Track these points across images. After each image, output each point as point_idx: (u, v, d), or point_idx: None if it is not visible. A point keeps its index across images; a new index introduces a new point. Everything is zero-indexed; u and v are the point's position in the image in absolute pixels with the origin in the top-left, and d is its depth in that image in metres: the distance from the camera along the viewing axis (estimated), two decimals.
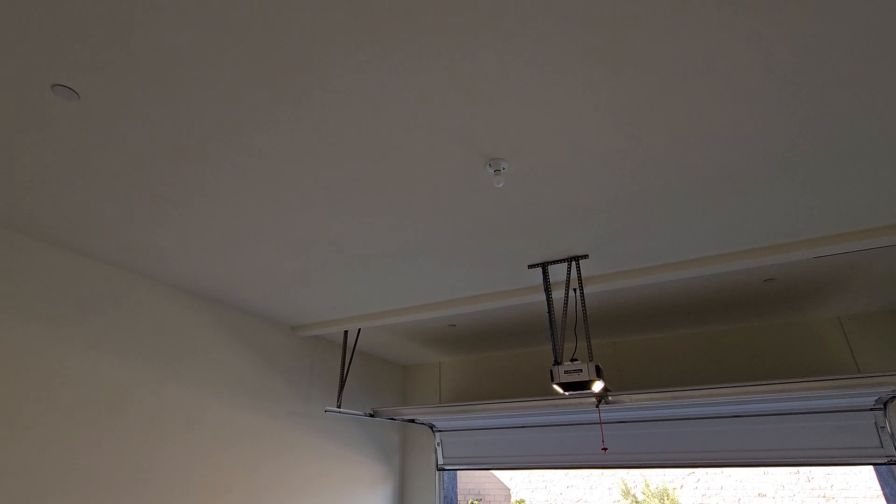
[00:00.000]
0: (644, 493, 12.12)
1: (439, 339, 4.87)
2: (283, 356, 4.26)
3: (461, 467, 5.52)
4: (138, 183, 2.16)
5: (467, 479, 14.96)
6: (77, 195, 2.24)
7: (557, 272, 3.18)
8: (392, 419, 4.68)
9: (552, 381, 2.91)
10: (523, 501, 13.66)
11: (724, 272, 3.17)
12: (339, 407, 4.14)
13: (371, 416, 4.45)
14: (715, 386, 3.25)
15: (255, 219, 2.48)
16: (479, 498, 14.67)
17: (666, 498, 11.84)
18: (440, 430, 5.44)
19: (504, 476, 14.66)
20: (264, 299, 3.65)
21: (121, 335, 3.01)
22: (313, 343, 4.65)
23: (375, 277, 3.24)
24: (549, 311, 3.15)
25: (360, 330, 4.31)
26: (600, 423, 4.50)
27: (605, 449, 3.57)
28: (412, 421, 5.13)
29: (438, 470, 5.52)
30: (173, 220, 2.47)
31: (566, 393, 3.03)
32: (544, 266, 3.07)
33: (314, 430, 4.41)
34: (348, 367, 4.31)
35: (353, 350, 4.40)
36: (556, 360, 3.02)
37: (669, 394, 3.33)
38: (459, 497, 14.28)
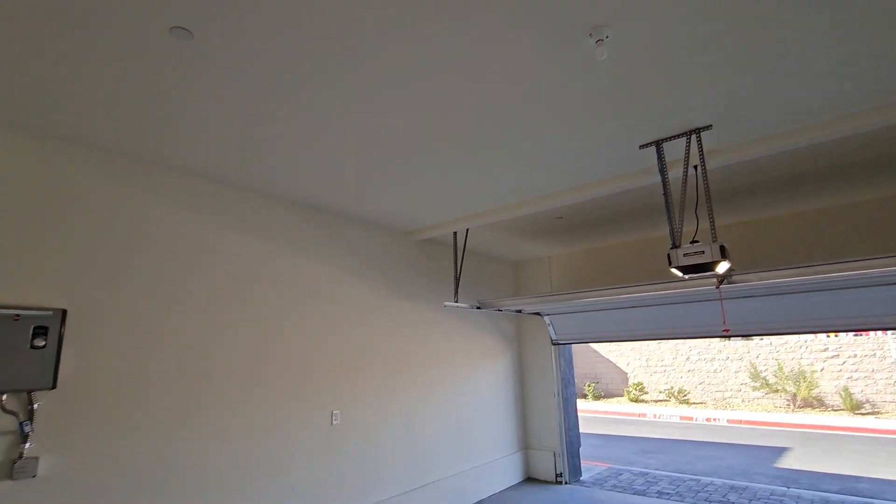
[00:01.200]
0: (776, 376, 11.59)
1: (547, 232, 4.88)
2: (402, 259, 4.64)
3: (574, 341, 5.79)
4: (250, 108, 2.36)
5: (583, 364, 15.60)
6: (202, 126, 2.53)
7: (672, 150, 2.91)
8: (498, 310, 4.96)
9: (670, 265, 2.81)
10: (641, 385, 14.02)
11: (866, 131, 2.64)
12: (456, 302, 4.49)
13: (478, 308, 4.76)
14: (854, 259, 2.89)
15: (364, 127, 2.60)
16: (595, 381, 15.36)
17: (802, 381, 11.23)
18: (549, 314, 5.66)
19: (621, 361, 15.01)
20: (379, 208, 3.92)
21: (246, 251, 3.51)
22: (428, 246, 4.97)
23: (482, 175, 3.28)
24: (665, 193, 2.95)
25: (468, 230, 4.47)
26: (721, 300, 4.29)
27: (726, 330, 3.44)
28: (519, 311, 5.39)
29: (553, 344, 5.85)
30: (292, 138, 2.70)
31: (686, 276, 2.92)
32: (658, 144, 2.82)
33: (437, 321, 4.89)
34: (461, 265, 4.56)
35: (464, 250, 4.62)
36: (673, 244, 2.88)
37: (804, 269, 3.04)
38: (577, 381, 15.12)
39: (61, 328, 2.41)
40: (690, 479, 5.72)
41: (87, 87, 2.13)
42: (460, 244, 4.60)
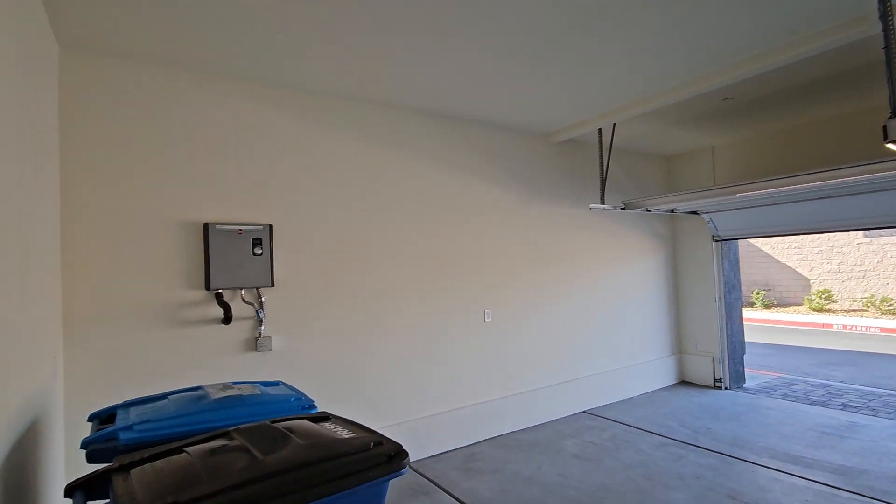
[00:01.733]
0: None
1: (710, 118, 4.26)
2: (544, 163, 4.55)
3: (739, 237, 5.20)
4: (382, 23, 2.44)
5: (751, 269, 13.82)
6: (371, 56, 2.71)
7: None
8: (647, 210, 4.62)
9: (886, 139, 2.29)
10: (828, 292, 12.08)
11: None
12: (602, 204, 4.32)
13: (622, 209, 4.49)
14: None
15: (509, 24, 2.52)
16: (766, 288, 13.58)
17: None
18: (708, 212, 5.11)
19: (802, 266, 13.00)
20: (519, 111, 3.84)
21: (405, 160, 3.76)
22: (569, 148, 4.76)
23: (636, 54, 2.96)
24: (888, 45, 2.32)
25: (614, 126, 4.15)
26: None
27: None
28: (672, 211, 4.94)
29: (715, 241, 5.34)
30: (432, 54, 2.74)
31: None
32: None
33: (583, 224, 4.80)
34: (607, 165, 4.31)
35: (610, 148, 4.32)
36: (893, 113, 2.31)
37: None
38: (744, 288, 13.36)
39: (271, 239, 3.01)
40: (889, 395, 5.00)
41: (281, 37, 2.42)
42: (606, 142, 4.31)
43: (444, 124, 3.91)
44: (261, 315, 2.97)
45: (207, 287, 2.82)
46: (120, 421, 1.71)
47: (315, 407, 1.94)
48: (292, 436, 1.39)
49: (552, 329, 4.50)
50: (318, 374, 3.20)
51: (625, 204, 4.52)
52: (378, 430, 1.50)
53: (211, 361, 2.83)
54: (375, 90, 3.29)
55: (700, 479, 3.13)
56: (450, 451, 3.75)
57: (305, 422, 1.58)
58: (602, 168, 4.31)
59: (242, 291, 2.95)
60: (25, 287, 1.73)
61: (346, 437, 1.42)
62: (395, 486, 2.97)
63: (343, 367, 3.31)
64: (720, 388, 5.29)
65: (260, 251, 2.95)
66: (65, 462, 2.42)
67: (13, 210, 1.59)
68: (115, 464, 1.31)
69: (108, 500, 1.25)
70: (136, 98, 2.70)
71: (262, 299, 3.00)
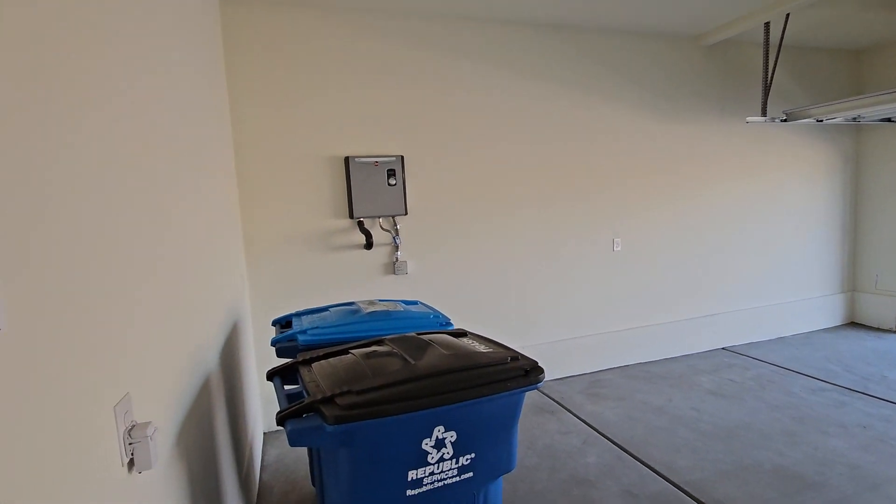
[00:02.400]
0: None
1: None
2: (689, 72, 3.98)
3: None
4: None
5: None
6: None
7: None
8: (818, 121, 3.80)
9: None
10: None
11: None
12: (764, 116, 3.69)
13: (783, 121, 3.76)
14: None
15: None
16: None
17: None
18: None
19: None
20: (662, 6, 3.35)
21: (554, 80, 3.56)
22: (722, 51, 4.07)
23: None
24: None
25: (788, 15, 3.40)
26: None
27: None
28: (855, 120, 3.99)
29: None
30: None
31: None
32: None
33: (735, 141, 4.19)
34: (773, 68, 3.61)
35: (780, 45, 3.59)
36: None
37: None
38: None
39: (403, 170, 3.17)
40: None
41: None
42: (774, 38, 3.58)
43: (571, 39, 3.59)
44: (397, 241, 3.21)
45: (351, 216, 3.11)
46: (296, 326, 2.05)
47: (451, 324, 2.10)
48: (436, 346, 1.54)
49: (690, 260, 4.15)
50: (450, 296, 3.42)
51: (787, 114, 3.79)
52: None
53: (357, 282, 3.19)
54: (500, 5, 3.11)
55: (868, 428, 2.79)
56: (574, 375, 3.83)
57: (446, 336, 1.73)
58: (766, 72, 3.63)
59: (380, 220, 3.20)
60: (225, 217, 2.10)
61: (485, 350, 1.54)
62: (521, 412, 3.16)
63: (472, 291, 3.48)
64: None
65: (394, 181, 3.14)
66: (255, 353, 3.00)
67: (209, 152, 1.89)
68: (299, 359, 1.59)
69: (296, 386, 1.54)
70: (285, 43, 2.93)
71: (398, 227, 3.24)
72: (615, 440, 2.77)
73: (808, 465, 2.43)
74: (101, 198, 0.82)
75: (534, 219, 3.62)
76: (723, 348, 4.31)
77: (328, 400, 1.22)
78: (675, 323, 4.13)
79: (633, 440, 2.76)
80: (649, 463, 2.52)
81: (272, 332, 2.95)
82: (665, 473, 2.41)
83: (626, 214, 3.89)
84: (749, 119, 3.65)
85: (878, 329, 4.65)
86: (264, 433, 3.07)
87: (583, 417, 3.09)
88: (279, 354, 1.90)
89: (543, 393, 3.52)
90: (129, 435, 0.84)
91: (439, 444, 1.28)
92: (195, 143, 1.68)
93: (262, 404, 3.06)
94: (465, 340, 1.69)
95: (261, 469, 2.64)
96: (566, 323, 3.79)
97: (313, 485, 2.22)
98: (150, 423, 0.87)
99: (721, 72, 4.10)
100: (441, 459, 1.29)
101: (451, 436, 1.30)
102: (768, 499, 2.18)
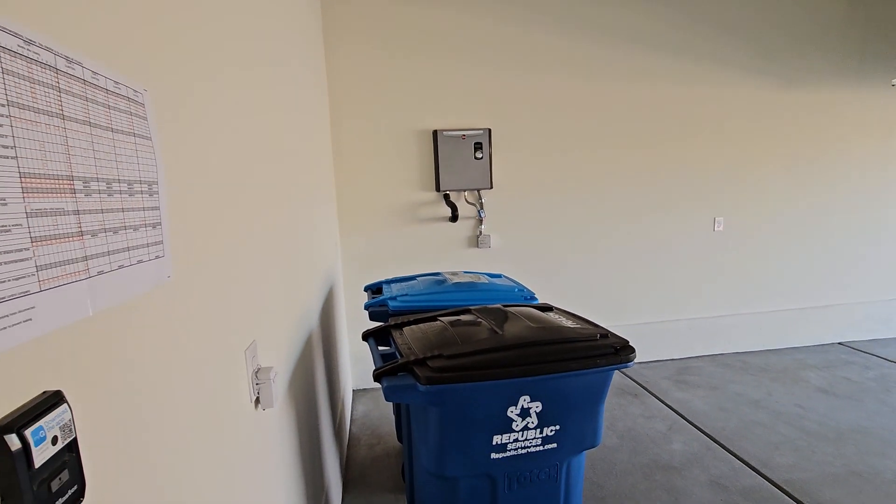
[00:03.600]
0: None
1: None
2: (815, 30, 3.48)
3: None
4: None
5: None
6: None
7: None
8: None
9: None
10: None
11: None
12: None
13: None
14: None
15: None
16: None
17: None
18: None
19: None
20: None
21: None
22: None
23: None
24: None
25: None
26: None
27: None
28: None
29: None
30: None
31: None
32: None
33: (872, 110, 3.64)
34: None
35: None
36: None
37: None
38: None
39: (490, 143, 3.15)
40: None
41: None
42: None
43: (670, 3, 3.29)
44: (482, 214, 3.23)
45: (437, 189, 3.17)
46: (386, 293, 2.16)
47: (536, 299, 2.10)
48: (523, 318, 1.56)
49: (804, 243, 3.73)
50: (534, 272, 3.39)
51: None
52: None
53: (442, 253, 3.27)
54: None
55: None
56: (661, 360, 3.66)
57: (532, 309, 1.74)
58: None
59: (466, 193, 3.23)
60: (324, 190, 2.25)
61: (572, 325, 1.52)
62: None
63: (557, 268, 3.43)
64: None
65: (480, 155, 3.14)
66: (346, 316, 3.22)
67: (313, 133, 2.02)
68: (391, 322, 1.69)
69: (388, 347, 1.64)
70: (378, 22, 3.00)
71: (483, 200, 3.25)
72: (704, 429, 2.64)
73: None
74: (237, 182, 0.92)
75: (626, 196, 3.44)
76: (839, 343, 3.87)
77: (421, 362, 1.29)
78: (783, 312, 3.77)
79: (724, 431, 2.61)
80: (743, 457, 2.37)
81: (363, 297, 3.14)
82: (760, 469, 2.26)
83: (728, 193, 3.57)
84: (895, 82, 3.13)
85: None
86: (353, 390, 3.31)
87: (669, 403, 2.96)
88: (371, 318, 2.03)
89: (627, 375, 3.41)
90: (256, 376, 0.96)
91: (524, 413, 1.31)
92: (306, 129, 1.81)
93: (351, 363, 3.29)
94: (551, 315, 1.69)
95: (350, 422, 2.86)
96: (656, 305, 3.61)
97: (399, 440, 2.38)
98: (272, 367, 0.98)
99: (861, 24, 3.54)
100: (525, 428, 1.32)
101: (536, 406, 1.32)
102: None
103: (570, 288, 3.47)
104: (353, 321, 3.22)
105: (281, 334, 1.22)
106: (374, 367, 1.37)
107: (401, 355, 1.41)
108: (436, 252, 3.26)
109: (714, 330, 3.69)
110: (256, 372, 0.96)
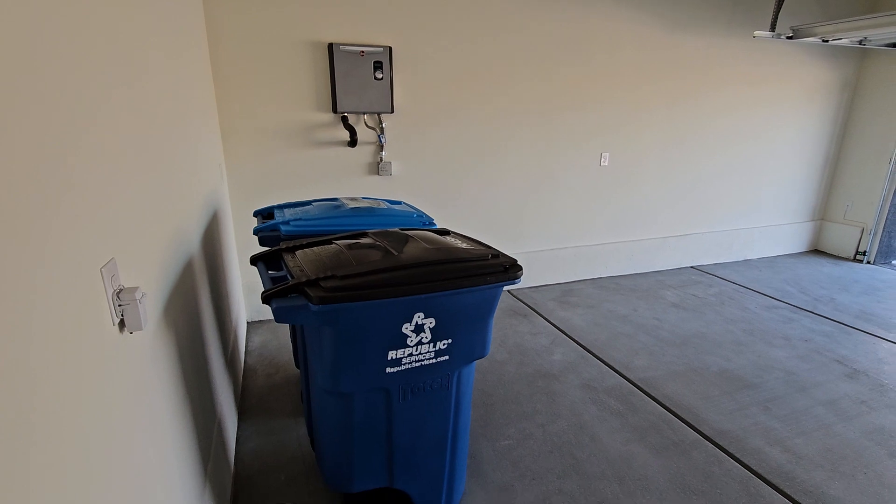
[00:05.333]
0: None
1: None
2: None
3: None
4: None
5: None
6: None
7: None
8: (824, 41, 3.65)
9: None
10: None
11: None
12: (772, 31, 3.51)
13: (790, 38, 3.60)
14: None
15: None
16: None
17: None
18: None
19: None
20: None
21: None
22: None
23: None
24: None
25: None
26: None
27: None
28: (861, 43, 3.84)
29: None
30: None
31: None
32: None
33: (734, 57, 4.04)
34: None
35: None
36: None
37: None
38: None
39: (391, 63, 2.98)
40: None
41: None
42: None
43: None
44: (382, 140, 3.12)
45: (335, 110, 2.97)
46: (278, 217, 2.04)
47: (435, 224, 2.12)
48: (419, 240, 1.57)
49: (673, 179, 4.18)
50: (435, 200, 3.41)
51: (793, 31, 3.62)
52: None
53: (339, 180, 3.13)
54: None
55: (809, 342, 3.05)
56: (549, 284, 4.00)
57: (429, 232, 1.75)
58: None
59: (365, 116, 3.08)
60: (198, 103, 1.98)
61: (467, 247, 1.57)
62: (497, 306, 3.32)
63: (457, 197, 3.48)
64: (861, 261, 4.75)
65: (381, 75, 2.97)
66: (236, 244, 3.02)
67: (178, 31, 1.72)
68: (282, 246, 1.61)
69: (281, 272, 1.57)
70: None
71: (383, 125, 3.12)
72: (580, 342, 2.98)
73: (749, 370, 2.68)
74: (79, 59, 0.75)
75: (525, 129, 3.53)
76: (691, 267, 4.52)
77: (312, 283, 1.26)
78: (650, 240, 4.27)
79: (596, 342, 2.97)
80: (609, 362, 2.74)
81: (253, 224, 2.94)
82: (622, 371, 2.64)
83: (615, 129, 3.82)
84: (756, 33, 3.47)
85: (838, 257, 4.91)
86: (248, 322, 3.18)
87: (552, 321, 3.28)
88: (262, 243, 1.91)
89: (518, 298, 3.69)
90: (118, 297, 0.86)
91: (418, 329, 1.36)
92: (166, 21, 1.53)
93: (245, 295, 3.13)
94: (447, 238, 1.72)
95: (245, 354, 2.77)
96: (546, 234, 3.87)
97: (297, 367, 2.37)
98: (137, 287, 0.89)
99: None
100: (420, 343, 1.37)
101: (430, 322, 1.37)
102: (710, 395, 2.43)
103: (469, 216, 3.57)
104: (245, 250, 3.03)
105: (150, 255, 1.10)
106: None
107: (292, 277, 1.36)
108: (333, 179, 3.12)
109: (594, 256, 4.09)
110: (118, 293, 0.86)
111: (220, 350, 1.93)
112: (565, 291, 3.84)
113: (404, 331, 1.34)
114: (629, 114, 3.82)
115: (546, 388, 2.47)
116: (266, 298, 1.24)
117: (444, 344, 1.42)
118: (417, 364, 1.39)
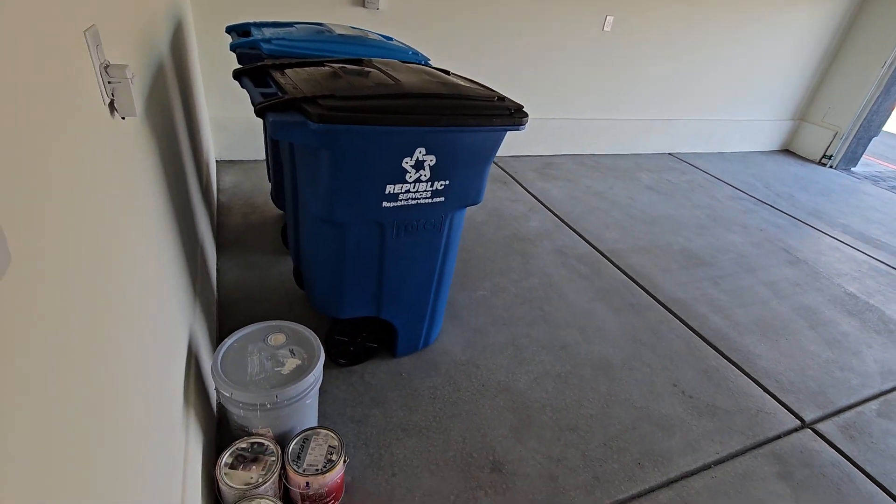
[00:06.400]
0: None
1: None
2: None
3: None
4: None
5: None
6: None
7: None
8: None
9: None
10: None
11: None
12: None
13: None
14: None
15: None
16: None
17: None
18: None
19: None
20: None
21: None
22: None
23: None
24: None
25: None
26: None
27: None
28: None
29: None
30: None
31: None
32: None
33: None
34: None
35: None
36: None
37: None
38: None
39: None
40: None
41: None
42: None
43: None
44: None
45: None
46: (257, 34, 1.80)
47: (431, 63, 1.95)
48: (422, 73, 1.44)
49: (670, 59, 3.98)
50: (423, 43, 3.12)
51: None
52: None
53: (319, 8, 2.76)
54: None
55: (762, 231, 3.25)
56: (530, 155, 3.94)
57: (429, 68, 1.61)
58: None
59: None
60: None
61: (471, 86, 1.46)
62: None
63: (449, 45, 3.19)
64: (825, 165, 4.92)
65: None
66: (200, 71, 2.72)
67: None
68: (269, 62, 1.44)
69: (269, 89, 1.42)
70: None
71: None
72: (556, 212, 3.05)
73: (706, 251, 2.87)
74: None
75: None
76: (669, 153, 4.55)
77: (310, 100, 1.15)
78: (635, 121, 4.19)
79: (571, 214, 3.05)
80: (581, 233, 2.84)
81: (219, 52, 2.63)
82: (592, 242, 2.76)
83: None
84: None
85: (806, 159, 5.05)
86: (217, 161, 3.01)
87: (531, 191, 3.30)
88: (240, 61, 1.71)
89: (499, 166, 3.64)
90: (107, 73, 0.74)
91: (418, 165, 1.31)
92: None
93: (214, 131, 2.91)
94: (449, 76, 1.59)
95: (217, 192, 2.66)
96: (535, 102, 3.70)
97: (278, 207, 2.31)
98: (127, 65, 0.77)
99: None
100: (418, 181, 1.34)
101: (430, 159, 1.32)
102: (669, 269, 2.61)
103: (457, 66, 3.32)
104: (211, 80, 2.73)
105: (127, 36, 0.95)
106: (252, 106, 1.18)
107: (284, 94, 1.24)
108: (312, 6, 2.74)
109: (578, 131, 4.00)
110: (106, 67, 0.74)
111: (196, 177, 1.83)
112: (546, 164, 3.82)
113: (404, 165, 1.29)
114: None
115: (521, 249, 2.56)
116: (260, 111, 1.13)
117: (441, 185, 1.39)
118: (413, 202, 1.37)
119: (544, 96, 3.69)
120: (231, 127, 2.90)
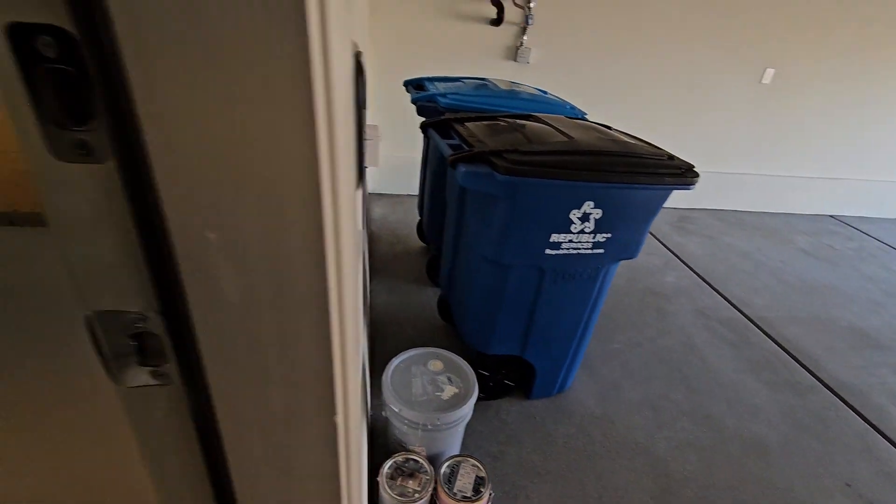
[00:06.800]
0: None
1: None
2: None
3: None
4: None
5: None
6: None
7: None
8: None
9: None
10: None
11: None
12: None
13: None
14: None
15: None
16: None
17: None
18: None
19: None
20: None
21: None
22: None
23: None
24: None
25: None
26: None
27: None
28: None
29: None
30: None
31: None
32: None
33: None
34: None
35: None
36: None
37: None
38: None
39: None
40: None
41: None
42: None
43: None
44: (529, 21, 2.90)
45: None
46: (432, 89, 2.03)
47: (587, 118, 2.02)
48: (590, 129, 1.51)
49: (835, 112, 3.60)
50: (573, 92, 3.22)
51: None
52: None
53: (475, 61, 3.01)
54: None
55: None
56: (665, 207, 3.79)
57: (595, 124, 1.68)
58: None
59: None
60: None
61: (637, 143, 1.50)
62: None
63: (594, 96, 3.25)
64: None
65: None
66: (373, 106, 3.09)
67: None
68: (450, 116, 1.62)
69: (453, 140, 1.60)
70: None
71: (532, 3, 2.88)
72: (695, 269, 2.88)
73: (883, 331, 2.49)
74: None
75: (676, 36, 3.11)
76: (830, 216, 4.06)
77: (497, 153, 1.27)
78: (787, 178, 3.83)
79: (712, 273, 2.86)
80: (725, 294, 2.64)
81: (389, 92, 2.96)
82: (739, 306, 2.55)
83: (784, 39, 3.26)
84: None
85: None
86: (369, 193, 3.36)
87: (667, 245, 3.17)
88: (419, 113, 1.94)
89: None
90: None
91: (585, 218, 1.36)
92: None
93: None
94: (613, 132, 1.65)
95: (369, 221, 2.97)
96: (675, 149, 3.57)
97: (422, 241, 2.50)
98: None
99: None
100: (582, 231, 1.39)
101: (597, 213, 1.37)
102: (835, 347, 2.31)
103: (607, 119, 3.35)
104: (381, 120, 3.10)
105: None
106: (449, 156, 1.34)
107: (469, 146, 1.39)
108: (467, 60, 3.00)
109: (721, 184, 3.77)
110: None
111: (363, 205, 2.07)
112: (682, 217, 3.64)
113: (571, 216, 1.35)
114: (802, 25, 3.22)
115: (656, 305, 2.46)
116: (454, 162, 1.28)
117: (603, 237, 1.42)
118: (574, 251, 1.42)
119: (685, 146, 3.55)
120: (382, 164, 3.24)
